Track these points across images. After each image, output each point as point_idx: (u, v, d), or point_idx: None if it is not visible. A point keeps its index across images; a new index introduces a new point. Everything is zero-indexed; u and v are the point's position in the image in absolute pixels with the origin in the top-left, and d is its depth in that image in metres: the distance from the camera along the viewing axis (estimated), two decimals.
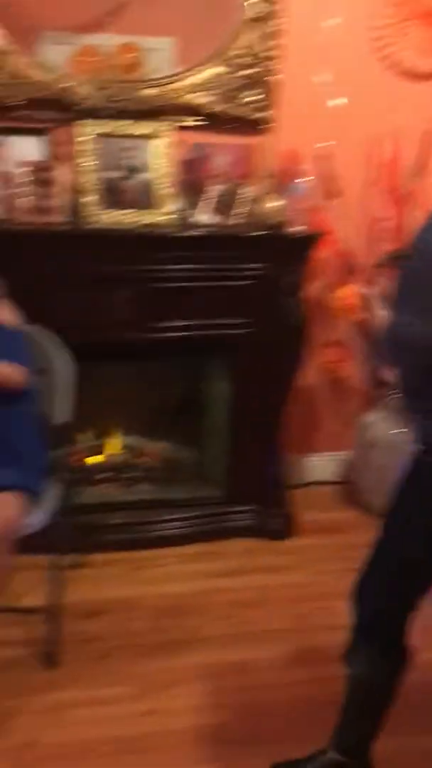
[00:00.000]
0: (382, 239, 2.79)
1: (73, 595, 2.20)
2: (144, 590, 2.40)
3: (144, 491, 2.80)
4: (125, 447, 2.90)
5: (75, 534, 2.23)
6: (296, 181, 2.53)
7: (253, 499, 2.73)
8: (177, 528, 2.67)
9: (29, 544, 1.87)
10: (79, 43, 2.47)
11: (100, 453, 2.88)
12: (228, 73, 2.56)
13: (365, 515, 2.94)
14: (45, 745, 1.76)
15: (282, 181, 2.62)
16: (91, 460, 2.85)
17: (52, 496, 2.00)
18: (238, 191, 2.46)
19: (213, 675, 2.04)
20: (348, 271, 2.80)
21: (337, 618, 2.27)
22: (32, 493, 1.91)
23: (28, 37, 2.40)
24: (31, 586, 2.15)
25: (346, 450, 3.16)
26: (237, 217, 2.46)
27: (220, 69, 2.55)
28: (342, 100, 2.63)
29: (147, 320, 2.44)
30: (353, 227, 2.80)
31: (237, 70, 2.56)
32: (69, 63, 2.47)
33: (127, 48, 2.50)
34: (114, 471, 2.84)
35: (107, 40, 2.48)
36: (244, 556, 2.62)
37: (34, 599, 2.12)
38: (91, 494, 2.74)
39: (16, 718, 1.83)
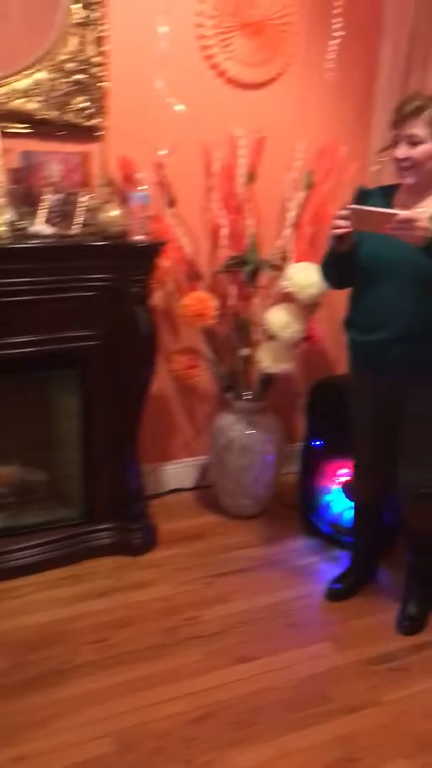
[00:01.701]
0: (223, 246, 2.82)
1: None
2: (2, 626, 2.26)
3: None
4: None
5: None
6: (135, 189, 2.49)
7: (113, 515, 2.65)
8: (34, 555, 2.53)
9: None
10: None
11: None
12: (56, 78, 2.47)
13: (225, 519, 2.97)
14: None
15: (120, 190, 2.57)
16: None
17: None
18: (76, 200, 2.38)
19: (87, 704, 1.95)
20: (193, 277, 2.80)
21: (205, 626, 2.29)
22: None
23: None
24: None
25: (202, 455, 3.17)
26: (77, 226, 2.38)
27: (47, 74, 2.45)
28: (178, 108, 2.62)
29: None
30: (195, 234, 2.81)
31: (66, 76, 2.47)
32: None
33: None
34: None
35: None
36: (109, 576, 2.54)
37: None
38: None
39: None
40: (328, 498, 2.78)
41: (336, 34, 2.63)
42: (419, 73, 2.89)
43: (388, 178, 2.64)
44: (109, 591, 2.45)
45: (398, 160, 1.99)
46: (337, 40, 2.63)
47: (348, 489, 2.67)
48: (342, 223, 1.95)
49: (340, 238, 1.99)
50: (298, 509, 2.93)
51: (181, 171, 2.72)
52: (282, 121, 2.89)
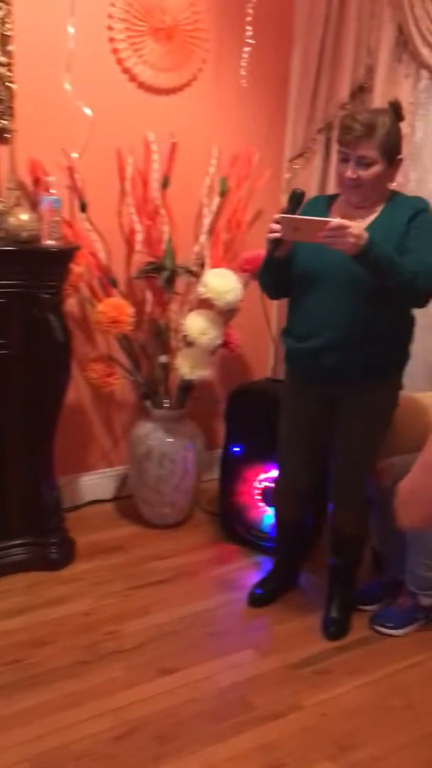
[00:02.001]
0: (138, 251, 2.78)
1: None
2: None
3: None
4: None
5: None
6: (45, 192, 2.42)
7: (27, 529, 2.56)
8: None
9: None
10: None
11: None
12: None
13: (146, 529, 2.93)
14: None
15: (30, 193, 2.49)
16: None
17: None
18: None
19: (3, 729, 1.86)
20: (108, 284, 2.75)
21: (127, 640, 2.24)
22: None
23: None
24: None
25: (120, 465, 3.11)
26: None
27: None
28: (86, 111, 2.57)
29: None
30: (110, 239, 2.76)
31: None
32: None
33: None
34: None
35: None
36: (25, 593, 2.44)
37: None
38: None
39: None
40: (248, 504, 2.78)
41: (248, 41, 2.64)
42: (329, 81, 2.96)
43: (300, 184, 2.69)
44: (25, 608, 2.36)
45: (346, 179, 1.97)
46: (249, 48, 2.64)
47: (268, 496, 2.68)
48: (276, 227, 1.92)
49: (275, 244, 1.97)
50: (219, 516, 2.91)
51: (93, 175, 2.67)
52: (196, 127, 2.89)
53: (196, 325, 2.68)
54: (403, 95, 2.92)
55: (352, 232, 1.80)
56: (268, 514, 2.72)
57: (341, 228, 1.79)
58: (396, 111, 1.97)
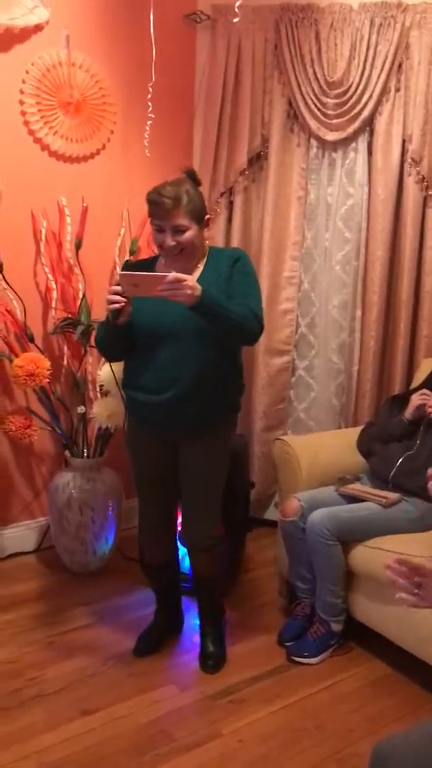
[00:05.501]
0: (55, 308, 2.92)
1: None
2: None
3: None
4: None
5: None
6: None
7: None
8: None
9: None
10: None
11: None
12: None
13: (69, 577, 2.98)
14: None
15: None
16: None
17: None
18: None
19: None
20: (25, 339, 2.86)
21: (48, 684, 2.29)
22: None
23: None
24: None
25: (42, 516, 3.17)
26: None
27: None
28: None
29: None
30: (27, 297, 2.88)
31: None
32: None
33: None
34: None
35: None
36: None
37: None
38: None
39: None
40: None
41: (150, 115, 2.87)
42: (228, 150, 3.22)
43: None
44: None
45: (168, 248, 2.14)
46: (150, 122, 2.88)
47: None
48: (117, 298, 2.03)
49: (116, 312, 2.06)
50: (140, 561, 2.99)
51: (9, 237, 2.81)
52: (107, 192, 3.08)
53: (110, 374, 2.81)
54: (296, 161, 3.21)
55: (188, 284, 1.95)
56: (184, 555, 2.82)
57: (178, 281, 1.94)
58: (193, 178, 2.19)
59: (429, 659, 2.24)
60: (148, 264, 2.30)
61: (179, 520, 2.48)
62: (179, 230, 2.11)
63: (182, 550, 2.70)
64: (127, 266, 2.23)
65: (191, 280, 1.98)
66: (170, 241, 2.12)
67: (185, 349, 2.15)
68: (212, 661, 2.41)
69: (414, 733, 1.30)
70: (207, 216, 2.20)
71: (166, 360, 2.17)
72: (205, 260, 2.23)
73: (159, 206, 2.09)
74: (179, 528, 2.51)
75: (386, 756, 1.28)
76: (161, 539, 2.49)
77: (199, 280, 2.09)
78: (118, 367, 2.81)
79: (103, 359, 2.95)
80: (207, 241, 2.30)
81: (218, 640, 2.47)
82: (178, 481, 2.33)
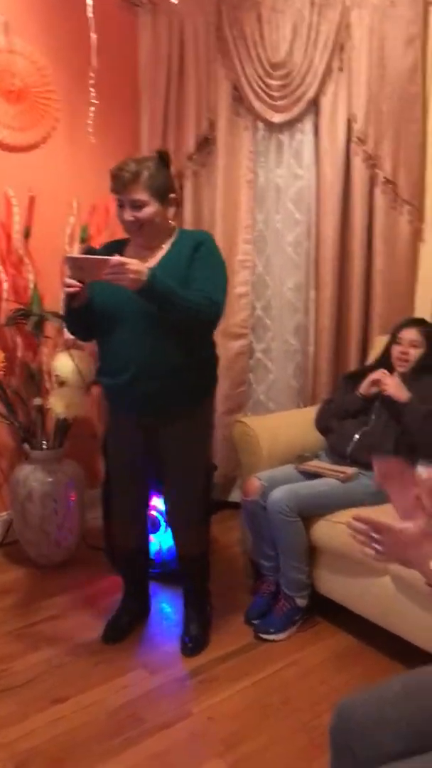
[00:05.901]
0: (6, 299, 2.89)
1: None
2: None
3: None
4: None
5: None
6: None
7: None
8: None
9: None
10: None
11: None
12: None
13: (34, 570, 2.96)
14: None
15: None
16: None
17: None
18: None
19: None
20: None
21: (18, 676, 2.28)
22: None
23: None
24: None
25: (3, 511, 3.14)
26: None
27: None
28: None
29: None
30: None
31: None
32: None
33: None
34: None
35: None
36: None
37: None
38: None
39: None
40: None
41: (93, 102, 2.85)
42: (175, 135, 3.22)
43: None
44: None
45: (127, 222, 2.14)
46: (94, 108, 2.85)
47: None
48: (71, 281, 2.02)
49: (71, 297, 2.07)
50: (105, 550, 2.99)
51: None
52: (54, 180, 3.05)
53: (66, 365, 2.80)
54: (245, 145, 3.21)
55: (131, 268, 1.94)
56: (152, 542, 2.83)
57: (121, 265, 1.93)
58: (162, 157, 2.19)
59: (392, 628, 2.30)
60: (118, 246, 2.27)
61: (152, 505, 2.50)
62: (137, 205, 2.10)
63: (158, 536, 2.74)
64: (90, 251, 2.22)
65: (136, 264, 1.96)
66: (128, 215, 2.12)
67: (135, 332, 2.15)
68: (193, 644, 2.42)
69: (377, 690, 1.34)
70: (172, 195, 2.19)
71: (120, 343, 2.18)
72: (172, 241, 2.22)
73: (118, 180, 2.09)
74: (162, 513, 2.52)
75: (349, 712, 1.31)
76: (134, 526, 2.50)
77: (162, 261, 2.09)
78: (79, 357, 2.81)
79: (57, 348, 2.94)
80: (173, 222, 2.29)
81: (202, 624, 2.49)
82: (153, 468, 2.34)
